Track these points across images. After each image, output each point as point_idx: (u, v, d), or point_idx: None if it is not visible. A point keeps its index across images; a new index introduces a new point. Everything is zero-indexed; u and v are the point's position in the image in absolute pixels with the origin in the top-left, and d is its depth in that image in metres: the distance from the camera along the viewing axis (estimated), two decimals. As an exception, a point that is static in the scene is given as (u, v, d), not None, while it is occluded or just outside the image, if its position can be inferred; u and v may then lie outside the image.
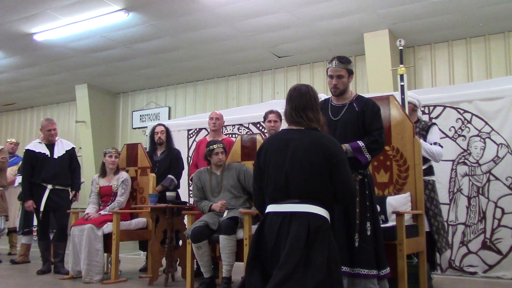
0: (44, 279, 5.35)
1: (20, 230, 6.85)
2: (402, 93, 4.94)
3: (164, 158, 5.95)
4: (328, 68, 3.60)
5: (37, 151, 5.89)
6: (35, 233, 6.15)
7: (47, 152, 5.90)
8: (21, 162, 6.88)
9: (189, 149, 7.56)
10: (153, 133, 6.06)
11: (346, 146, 3.38)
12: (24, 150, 6.00)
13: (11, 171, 7.45)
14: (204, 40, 8.87)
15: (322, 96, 5.54)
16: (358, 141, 3.42)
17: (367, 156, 3.42)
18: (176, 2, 7.36)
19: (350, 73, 3.59)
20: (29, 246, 6.79)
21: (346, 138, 3.46)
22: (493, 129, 5.43)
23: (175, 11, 7.68)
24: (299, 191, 2.78)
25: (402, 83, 5.04)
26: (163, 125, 6.12)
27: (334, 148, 2.86)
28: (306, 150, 2.83)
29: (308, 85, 3.07)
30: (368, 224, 3.35)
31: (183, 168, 6.11)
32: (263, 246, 2.82)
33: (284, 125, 5.50)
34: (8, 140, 8.02)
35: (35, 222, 6.14)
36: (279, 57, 9.72)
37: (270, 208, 2.85)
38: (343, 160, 2.87)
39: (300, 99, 2.96)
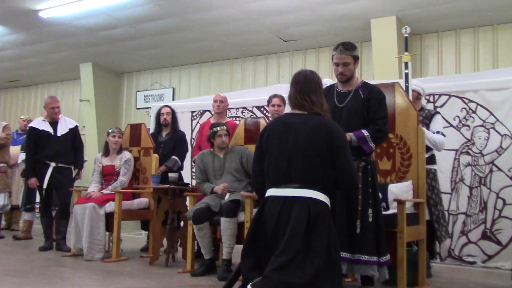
0: (46, 256, 5.40)
1: (23, 207, 6.89)
2: (407, 81, 4.93)
3: (169, 139, 5.95)
4: (333, 55, 3.59)
5: (40, 128, 5.90)
6: (37, 210, 6.19)
7: (51, 130, 5.91)
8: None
9: (192, 131, 7.56)
10: (159, 114, 6.06)
11: (350, 135, 3.39)
12: (27, 128, 6.01)
13: (18, 148, 7.45)
14: (210, 22, 8.82)
15: (328, 81, 5.52)
16: (362, 130, 3.42)
17: (372, 145, 3.43)
18: (183, -18, 7.32)
19: (356, 59, 3.58)
20: (31, 222, 6.84)
21: (351, 124, 3.46)
22: (497, 120, 5.41)
23: (182, -8, 7.63)
24: (301, 175, 2.80)
25: (407, 71, 5.02)
26: (169, 107, 6.11)
27: (337, 133, 2.88)
28: (309, 135, 2.84)
29: (313, 71, 3.10)
30: (370, 211, 3.37)
31: (187, 150, 6.12)
32: (262, 230, 2.84)
33: (287, 110, 5.51)
34: (22, 117, 8.01)
35: (37, 199, 6.17)
36: (285, 41, 9.66)
37: (271, 192, 2.87)
38: (345, 145, 2.89)
39: (305, 83, 2.98)
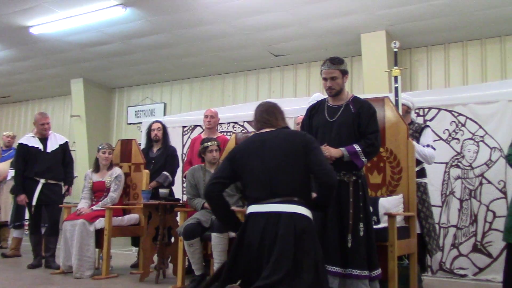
0: (35, 274, 5.34)
1: (12, 224, 6.82)
2: (396, 95, 4.96)
3: (160, 155, 5.94)
4: (321, 70, 3.61)
5: (30, 145, 5.87)
6: (26, 227, 6.12)
7: (40, 146, 5.88)
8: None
9: (183, 146, 7.55)
10: (149, 129, 6.05)
11: (342, 150, 3.39)
12: (17, 144, 5.98)
13: (6, 164, 7.41)
14: (201, 37, 8.85)
15: (319, 95, 5.55)
16: (354, 145, 3.42)
17: (363, 160, 3.43)
18: (173, -2, 7.35)
19: (344, 73, 3.59)
20: (20, 240, 6.77)
21: (342, 139, 3.47)
22: (486, 133, 5.46)
23: (172, 7, 7.66)
24: (283, 187, 2.82)
25: (396, 85, 5.06)
26: (160, 122, 6.11)
27: (309, 137, 3.01)
28: (284, 144, 2.92)
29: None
30: (361, 225, 3.36)
31: (178, 166, 6.11)
32: (245, 248, 2.81)
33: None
34: (5, 133, 7.97)
35: (26, 216, 6.12)
36: (276, 56, 9.71)
37: (253, 208, 2.86)
38: (319, 147, 3.00)
39: (268, 106, 3.20)
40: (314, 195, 3.07)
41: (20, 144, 5.91)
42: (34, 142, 5.90)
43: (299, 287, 2.60)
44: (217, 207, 3.06)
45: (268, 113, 3.11)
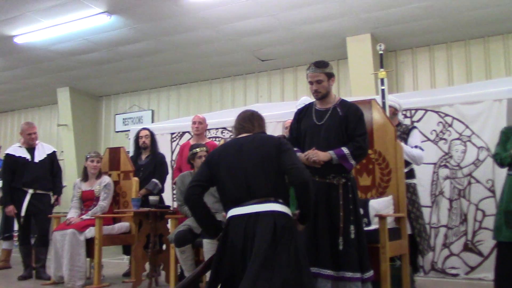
0: (25, 285, 5.29)
1: (1, 235, 6.75)
2: (383, 97, 5.00)
3: (148, 162, 5.92)
4: (307, 74, 3.62)
5: (17, 155, 5.82)
6: (16, 238, 6.05)
7: (28, 156, 5.83)
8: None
9: (172, 152, 7.53)
10: (137, 137, 6.03)
11: (331, 153, 3.40)
12: (3, 155, 5.92)
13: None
14: (187, 44, 8.85)
15: (306, 99, 5.57)
16: (342, 148, 3.43)
17: (352, 162, 3.44)
18: (158, 5, 7.33)
19: (330, 76, 3.60)
20: (10, 251, 6.70)
21: (330, 142, 3.48)
22: (473, 133, 5.51)
23: (158, 14, 7.65)
24: (260, 188, 2.87)
25: (383, 87, 5.10)
26: (148, 129, 6.10)
27: (283, 141, 3.08)
28: (259, 147, 2.98)
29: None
30: (352, 227, 3.37)
31: (167, 173, 6.09)
32: (229, 251, 2.83)
33: (267, 129, 5.51)
34: None
35: (16, 227, 6.06)
36: (263, 61, 9.73)
37: (232, 212, 2.90)
38: (292, 149, 3.04)
39: (247, 113, 3.28)
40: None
41: (7, 154, 5.86)
42: (21, 152, 5.85)
43: (276, 282, 2.62)
44: (197, 210, 3.04)
45: (245, 120, 3.21)
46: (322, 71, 3.55)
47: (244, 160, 2.95)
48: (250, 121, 3.20)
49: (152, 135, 6.03)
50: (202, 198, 3.04)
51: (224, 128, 7.26)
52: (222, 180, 2.99)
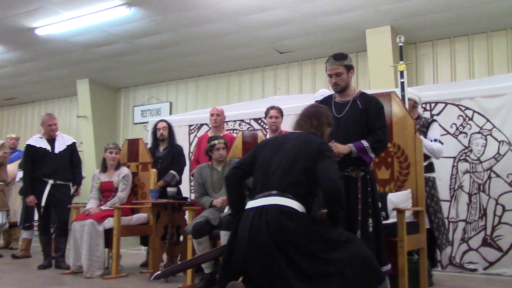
0: (45, 274, 5.37)
1: (21, 225, 6.86)
2: (402, 89, 4.94)
3: (166, 154, 5.95)
4: (326, 67, 3.60)
5: (38, 146, 5.89)
6: (36, 228, 6.15)
7: (48, 147, 5.90)
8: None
9: (190, 144, 7.56)
10: (155, 129, 6.06)
11: (350, 146, 3.38)
12: (25, 145, 6.01)
13: (14, 166, 7.46)
14: (205, 36, 8.86)
15: (324, 91, 5.54)
16: (362, 141, 3.41)
17: (372, 155, 3.42)
18: (177, -3, 7.36)
19: (349, 68, 3.57)
20: (30, 241, 6.81)
21: (349, 135, 3.46)
22: (494, 126, 5.43)
23: (177, 6, 7.66)
24: (279, 182, 2.84)
25: (402, 80, 5.04)
26: (166, 121, 6.12)
27: (327, 146, 3.00)
28: (300, 145, 2.94)
29: (327, 108, 3.30)
30: (370, 220, 3.36)
31: (185, 164, 6.12)
32: (237, 243, 2.82)
33: (285, 122, 5.51)
34: (8, 136, 8.02)
35: (36, 217, 6.15)
36: (281, 53, 9.70)
37: (248, 204, 2.90)
38: (334, 158, 2.94)
39: (311, 110, 3.21)
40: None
41: (28, 145, 5.93)
42: (42, 143, 5.92)
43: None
44: (231, 191, 3.15)
45: (304, 117, 3.18)
46: (341, 63, 3.53)
47: (280, 154, 2.94)
48: (310, 120, 3.15)
49: (169, 127, 6.06)
50: (239, 182, 3.12)
51: (242, 121, 7.26)
52: (256, 168, 3.02)
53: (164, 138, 5.99)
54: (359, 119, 3.50)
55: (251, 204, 2.87)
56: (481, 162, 5.46)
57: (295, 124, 3.19)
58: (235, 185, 3.12)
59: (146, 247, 6.02)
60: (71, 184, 6.04)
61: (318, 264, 2.63)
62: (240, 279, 2.71)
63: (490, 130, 5.44)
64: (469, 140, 5.54)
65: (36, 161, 5.84)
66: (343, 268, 2.62)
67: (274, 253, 2.63)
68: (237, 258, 2.79)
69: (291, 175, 2.85)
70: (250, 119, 7.19)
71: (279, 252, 2.63)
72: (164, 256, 5.09)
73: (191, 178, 5.91)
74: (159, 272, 3.69)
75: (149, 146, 6.19)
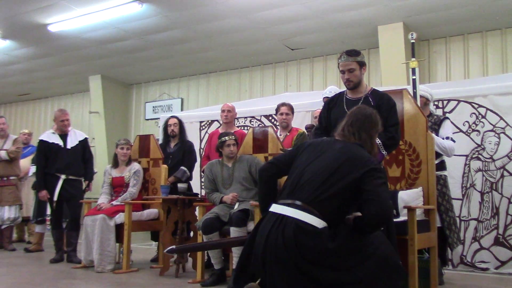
0: (57, 268, 5.42)
1: (34, 219, 6.93)
2: (414, 86, 4.90)
3: (177, 150, 5.97)
4: (339, 63, 3.59)
5: (50, 141, 5.94)
6: (48, 222, 6.21)
7: (61, 143, 5.95)
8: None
9: (201, 141, 7.58)
10: (166, 125, 6.08)
11: None
12: (37, 141, 6.06)
13: (27, 161, 7.54)
14: (217, 32, 8.86)
15: (333, 88, 5.52)
16: None
17: (384, 153, 3.41)
18: (189, -7, 7.37)
19: (362, 64, 3.56)
20: (42, 235, 6.88)
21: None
22: (508, 124, 5.37)
23: (189, 3, 7.67)
24: (307, 191, 2.63)
25: (414, 77, 5.00)
26: (176, 117, 6.14)
27: (379, 168, 2.69)
28: (339, 156, 2.69)
29: (375, 111, 3.00)
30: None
31: (195, 161, 6.13)
32: (256, 246, 2.70)
33: (296, 119, 5.48)
34: (21, 132, 8.11)
35: (48, 211, 6.21)
36: (292, 50, 9.68)
37: (272, 207, 2.73)
38: (384, 180, 2.66)
39: (360, 119, 2.89)
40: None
41: (41, 140, 5.98)
42: (54, 138, 5.97)
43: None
44: (262, 186, 2.99)
45: (352, 129, 2.84)
46: (354, 59, 3.51)
47: (318, 164, 2.70)
48: (358, 133, 2.83)
49: (180, 123, 6.07)
50: (272, 179, 2.93)
51: (253, 117, 7.26)
52: (291, 170, 2.82)
53: (175, 134, 6.00)
54: (371, 116, 3.47)
55: (274, 208, 2.70)
56: (494, 161, 5.41)
57: (341, 134, 2.88)
58: (267, 182, 2.94)
59: (157, 242, 6.05)
60: (83, 179, 6.09)
61: (337, 275, 2.51)
62: (258, 281, 2.65)
63: (504, 128, 5.39)
64: (482, 138, 5.49)
65: (49, 157, 5.89)
66: (365, 276, 2.51)
67: (289, 266, 2.51)
68: (254, 260, 2.68)
69: (323, 191, 2.61)
70: (261, 116, 7.19)
71: (295, 266, 2.50)
72: (175, 252, 5.11)
73: (202, 174, 5.93)
74: (173, 246, 3.66)
75: (160, 142, 6.21)
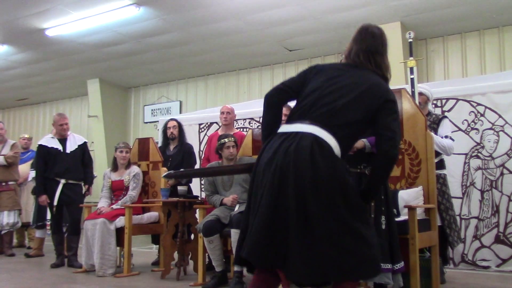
0: (57, 273, 5.41)
1: (34, 224, 6.92)
2: (412, 86, 4.91)
3: (176, 152, 5.96)
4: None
5: (49, 146, 5.93)
6: (48, 227, 6.20)
7: (60, 147, 5.94)
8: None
9: (200, 143, 7.57)
10: (165, 128, 6.08)
11: (364, 141, 3.37)
12: (37, 145, 6.05)
13: (27, 166, 7.53)
14: (214, 34, 8.86)
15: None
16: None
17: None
18: (186, -4, 7.37)
19: None
20: (43, 240, 6.87)
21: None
22: (506, 122, 5.38)
23: (185, 5, 7.68)
24: (323, 114, 2.41)
25: (412, 76, 5.00)
26: (176, 120, 6.13)
27: (395, 99, 2.53)
28: (361, 86, 2.48)
29: (381, 28, 2.78)
30: (383, 218, 3.34)
31: (195, 163, 6.13)
32: (256, 177, 2.42)
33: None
34: (21, 136, 8.10)
35: (48, 216, 6.20)
36: (290, 51, 9.68)
37: (281, 128, 2.53)
38: (398, 114, 2.52)
39: (372, 42, 2.68)
40: None
41: (40, 145, 5.98)
42: (53, 143, 5.96)
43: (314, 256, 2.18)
44: (269, 111, 2.66)
45: (366, 55, 2.62)
46: None
47: (337, 90, 2.47)
48: (374, 58, 2.61)
49: (179, 126, 6.07)
50: (280, 103, 2.66)
51: (252, 119, 7.26)
52: (303, 94, 2.56)
53: (174, 137, 6.00)
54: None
55: (284, 128, 2.47)
56: (493, 159, 5.41)
57: (355, 61, 2.63)
58: (275, 107, 2.65)
59: (158, 246, 6.05)
60: (82, 184, 6.08)
61: (329, 223, 2.22)
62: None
63: (503, 126, 5.39)
64: (481, 136, 5.49)
65: (48, 161, 5.89)
66: (349, 245, 2.23)
67: (287, 183, 2.24)
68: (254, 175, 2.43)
69: (341, 117, 2.40)
70: (260, 117, 7.17)
71: (293, 183, 2.23)
72: (175, 255, 5.10)
73: (202, 176, 5.93)
74: (171, 171, 3.54)
75: (159, 145, 6.21)
